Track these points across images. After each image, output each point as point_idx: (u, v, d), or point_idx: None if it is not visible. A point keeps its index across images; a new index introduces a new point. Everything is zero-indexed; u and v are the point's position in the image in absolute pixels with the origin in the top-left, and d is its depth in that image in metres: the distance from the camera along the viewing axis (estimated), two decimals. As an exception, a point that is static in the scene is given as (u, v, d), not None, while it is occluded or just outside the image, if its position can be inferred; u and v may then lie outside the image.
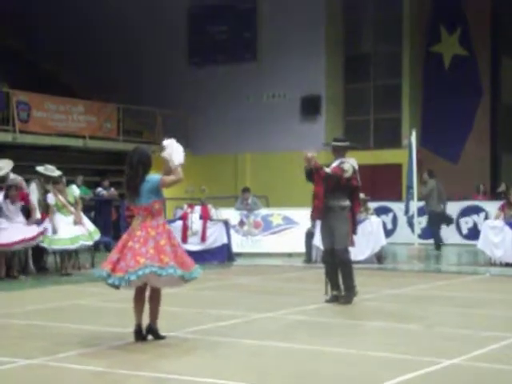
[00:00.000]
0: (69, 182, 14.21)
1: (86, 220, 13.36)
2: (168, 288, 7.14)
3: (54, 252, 13.10)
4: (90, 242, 13.16)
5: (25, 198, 12.74)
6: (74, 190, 13.41)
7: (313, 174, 9.18)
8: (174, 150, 6.86)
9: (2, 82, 20.35)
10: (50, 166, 13.35)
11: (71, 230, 12.81)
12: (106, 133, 22.55)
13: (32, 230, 12.38)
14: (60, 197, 12.92)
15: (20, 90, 20.28)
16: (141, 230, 6.74)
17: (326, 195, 9.16)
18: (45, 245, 12.69)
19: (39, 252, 13.18)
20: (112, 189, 19.10)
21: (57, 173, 13.24)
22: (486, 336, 7.18)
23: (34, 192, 13.03)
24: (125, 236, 6.86)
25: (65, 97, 21.74)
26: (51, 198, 12.89)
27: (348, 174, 9.19)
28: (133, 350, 6.58)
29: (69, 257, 13.16)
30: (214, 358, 6.31)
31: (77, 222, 12.86)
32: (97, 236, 13.29)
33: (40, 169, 13.32)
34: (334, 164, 9.31)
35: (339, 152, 9.46)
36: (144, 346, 6.69)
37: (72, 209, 12.95)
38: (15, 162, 17.51)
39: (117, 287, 6.76)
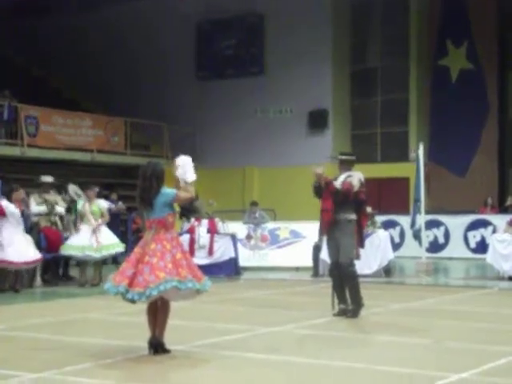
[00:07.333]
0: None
1: (105, 233, 13.32)
2: (181, 301, 7.14)
3: (79, 262, 13.30)
4: (96, 256, 13.15)
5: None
6: (101, 203, 13.58)
7: (321, 189, 9.19)
8: (186, 169, 6.91)
9: (11, 97, 20.44)
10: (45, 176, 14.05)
11: (82, 238, 12.96)
12: (114, 147, 22.61)
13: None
14: (86, 204, 13.15)
15: (28, 104, 20.38)
16: (155, 243, 6.72)
17: (334, 209, 9.16)
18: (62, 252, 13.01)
19: (55, 262, 13.44)
20: (120, 202, 19.14)
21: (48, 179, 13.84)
22: (494, 350, 7.14)
23: (32, 203, 13.23)
24: (137, 249, 6.83)
25: (72, 111, 21.83)
26: (80, 204, 13.23)
27: (356, 189, 9.20)
28: (142, 363, 6.57)
29: (97, 267, 13.27)
30: (223, 372, 6.30)
31: (94, 232, 13.03)
32: (107, 251, 13.28)
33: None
34: (341, 178, 9.32)
35: (346, 166, 9.47)
36: (154, 359, 6.68)
37: (93, 220, 13.09)
38: (23, 176, 17.68)
39: (134, 302, 6.75)
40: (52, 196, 13.76)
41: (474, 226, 19.38)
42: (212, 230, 15.31)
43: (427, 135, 23.05)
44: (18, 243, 12.12)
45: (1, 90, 20.44)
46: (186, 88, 24.89)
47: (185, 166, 6.93)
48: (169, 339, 6.92)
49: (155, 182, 6.82)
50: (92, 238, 12.98)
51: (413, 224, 16.52)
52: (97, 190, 13.76)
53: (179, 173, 6.91)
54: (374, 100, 24.06)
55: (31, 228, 13.32)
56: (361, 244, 9.52)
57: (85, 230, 13.06)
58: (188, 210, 15.20)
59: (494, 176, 22.74)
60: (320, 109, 23.46)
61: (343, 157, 9.58)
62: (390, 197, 22.36)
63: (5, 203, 12.21)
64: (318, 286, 13.03)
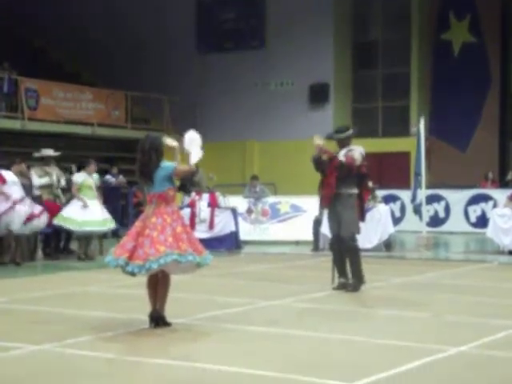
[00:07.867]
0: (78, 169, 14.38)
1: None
2: (181, 274, 7.16)
3: (79, 236, 13.23)
4: (113, 227, 13.57)
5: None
6: (96, 178, 13.69)
7: (320, 162, 9.15)
8: (193, 144, 6.88)
9: (11, 70, 20.34)
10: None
11: (99, 212, 13.09)
12: (114, 120, 22.55)
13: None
14: (89, 178, 13.22)
15: (28, 77, 20.29)
16: (156, 216, 6.72)
17: (336, 183, 9.14)
18: (72, 227, 12.85)
19: (56, 236, 13.42)
20: (120, 176, 19.15)
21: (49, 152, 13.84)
22: (493, 324, 7.17)
23: (32, 176, 13.24)
24: (138, 223, 6.83)
25: (72, 84, 21.75)
26: (79, 176, 13.18)
27: (358, 162, 9.18)
28: (143, 337, 6.59)
29: (88, 241, 13.25)
30: (223, 344, 6.32)
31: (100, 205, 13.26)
32: (112, 224, 13.55)
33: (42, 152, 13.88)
34: (342, 152, 9.28)
35: (344, 142, 9.41)
36: (154, 332, 6.70)
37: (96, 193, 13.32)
38: (23, 150, 17.65)
39: (133, 275, 6.76)
40: (53, 169, 13.76)
41: (474, 200, 19.38)
42: (213, 204, 15.31)
43: (428, 109, 22.98)
44: (25, 202, 12.26)
45: (0, 62, 20.35)
46: (187, 62, 24.77)
47: (191, 144, 6.90)
48: (169, 312, 6.95)
49: (154, 155, 6.80)
50: (104, 212, 13.26)
51: (413, 198, 16.51)
52: (94, 164, 13.84)
53: (186, 147, 6.89)
54: (375, 73, 23.95)
55: (34, 201, 13.33)
56: (361, 218, 9.52)
57: (91, 203, 13.09)
58: (189, 183, 15.21)
59: (495, 150, 22.71)
60: (321, 82, 23.37)
61: (341, 135, 9.46)
62: (390, 171, 22.34)
63: (4, 172, 12.27)
64: (318, 259, 13.06)
